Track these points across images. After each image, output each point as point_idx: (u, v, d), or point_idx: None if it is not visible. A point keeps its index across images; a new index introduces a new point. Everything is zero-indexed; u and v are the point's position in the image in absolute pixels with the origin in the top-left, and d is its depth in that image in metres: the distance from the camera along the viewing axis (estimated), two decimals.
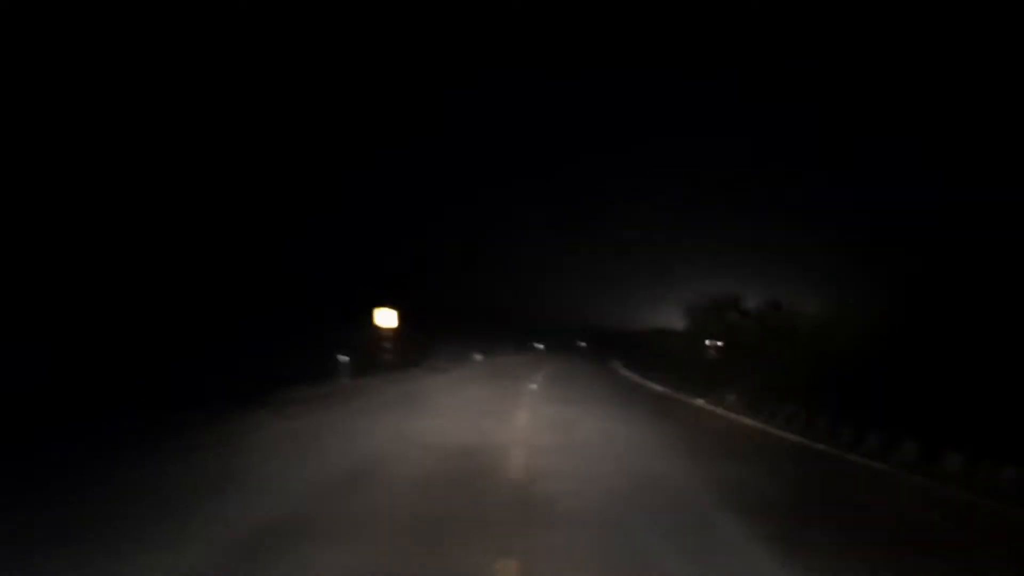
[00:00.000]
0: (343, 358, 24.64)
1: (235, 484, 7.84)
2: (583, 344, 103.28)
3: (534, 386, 27.32)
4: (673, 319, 42.18)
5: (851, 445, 12.96)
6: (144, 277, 19.33)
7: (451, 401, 19.63)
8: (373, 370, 27.59)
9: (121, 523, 6.05)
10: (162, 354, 19.39)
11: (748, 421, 17.81)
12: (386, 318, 32.42)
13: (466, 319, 51.23)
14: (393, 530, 6.19)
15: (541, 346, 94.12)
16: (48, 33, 16.14)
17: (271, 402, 16.43)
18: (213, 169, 22.94)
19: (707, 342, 31.42)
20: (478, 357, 51.48)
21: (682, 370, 30.40)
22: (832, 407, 14.22)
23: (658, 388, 30.25)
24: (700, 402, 23.28)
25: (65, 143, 17.28)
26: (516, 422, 15.20)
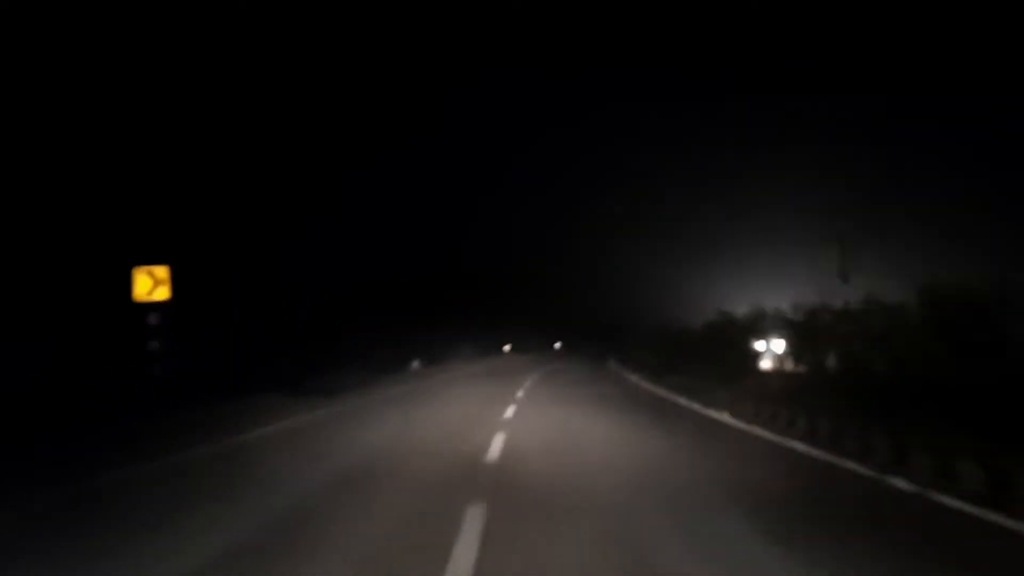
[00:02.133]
0: None
1: None
2: (560, 345, 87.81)
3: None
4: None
5: None
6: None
7: None
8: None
9: None
10: (160, 355, 19.39)
11: None
12: (147, 284, 15.05)
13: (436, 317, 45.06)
14: None
15: (511, 347, 76.34)
16: (49, 34, 16.16)
17: None
18: (214, 169, 22.96)
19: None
20: (416, 365, 36.50)
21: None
22: None
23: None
24: None
25: (66, 144, 17.31)
26: None
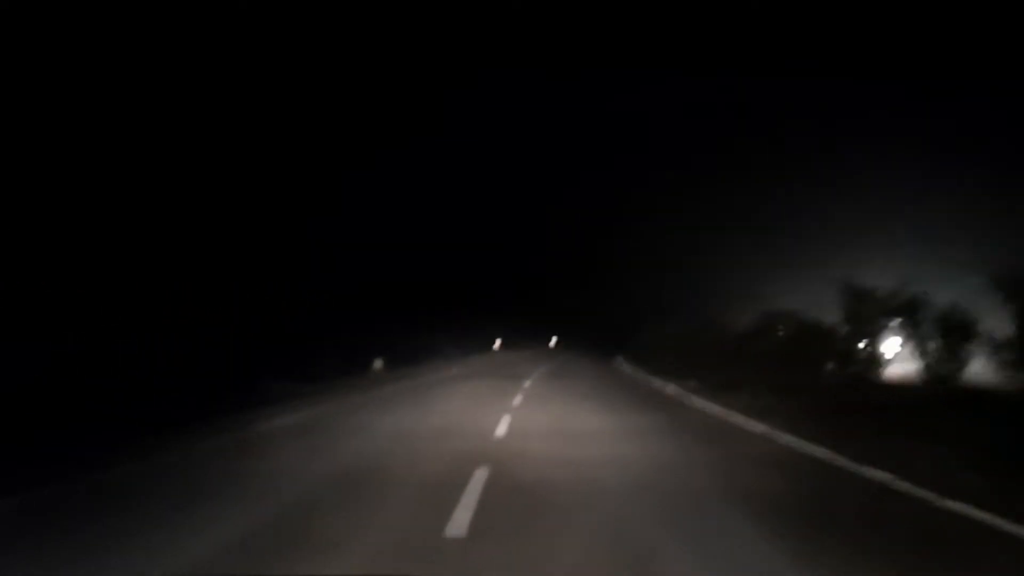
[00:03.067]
0: None
1: None
2: (554, 342, 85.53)
3: None
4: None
5: None
6: (142, 278, 19.34)
7: None
8: None
9: None
10: (159, 356, 19.39)
11: None
12: None
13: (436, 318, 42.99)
14: None
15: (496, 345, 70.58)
16: (49, 33, 16.16)
17: None
18: (213, 169, 22.97)
19: None
20: (378, 365, 29.35)
21: None
22: None
23: None
24: None
25: (66, 143, 17.31)
26: None
